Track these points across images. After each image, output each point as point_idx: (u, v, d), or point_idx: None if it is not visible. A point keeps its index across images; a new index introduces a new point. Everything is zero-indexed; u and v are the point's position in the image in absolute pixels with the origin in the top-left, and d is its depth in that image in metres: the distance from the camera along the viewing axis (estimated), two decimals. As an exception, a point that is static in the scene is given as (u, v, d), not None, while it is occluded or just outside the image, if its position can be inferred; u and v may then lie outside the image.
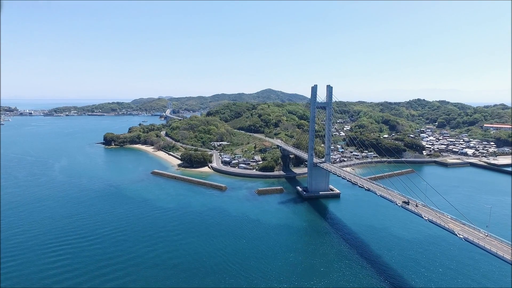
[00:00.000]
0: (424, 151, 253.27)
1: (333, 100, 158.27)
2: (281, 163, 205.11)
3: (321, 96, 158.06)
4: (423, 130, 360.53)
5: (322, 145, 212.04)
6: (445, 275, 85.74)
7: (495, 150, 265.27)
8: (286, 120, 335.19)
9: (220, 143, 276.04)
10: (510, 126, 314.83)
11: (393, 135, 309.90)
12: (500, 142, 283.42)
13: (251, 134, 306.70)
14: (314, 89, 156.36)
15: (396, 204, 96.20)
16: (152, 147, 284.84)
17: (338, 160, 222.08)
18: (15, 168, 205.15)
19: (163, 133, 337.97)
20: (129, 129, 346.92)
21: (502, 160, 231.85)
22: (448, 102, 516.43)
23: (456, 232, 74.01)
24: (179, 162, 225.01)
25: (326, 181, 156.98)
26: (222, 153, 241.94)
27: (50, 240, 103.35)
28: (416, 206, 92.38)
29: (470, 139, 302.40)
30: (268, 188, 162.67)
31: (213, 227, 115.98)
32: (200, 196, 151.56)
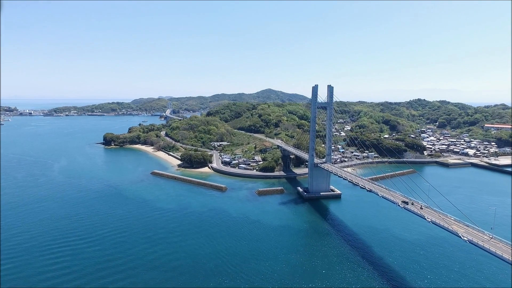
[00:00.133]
0: (425, 151, 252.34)
1: (334, 100, 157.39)
2: (282, 163, 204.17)
3: (322, 96, 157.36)
4: (424, 130, 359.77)
5: (323, 145, 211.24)
6: (448, 278, 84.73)
7: (496, 150, 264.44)
8: (287, 120, 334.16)
9: (220, 143, 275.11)
10: (511, 126, 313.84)
11: (393, 135, 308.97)
12: (501, 142, 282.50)
13: (251, 134, 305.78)
14: (315, 89, 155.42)
15: (399, 205, 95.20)
16: (152, 147, 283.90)
17: (338, 160, 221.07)
18: (14, 168, 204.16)
19: (163, 133, 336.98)
20: (129, 129, 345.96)
21: (503, 161, 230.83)
22: (448, 102, 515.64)
23: (460, 234, 72.98)
24: (179, 162, 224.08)
25: (327, 181, 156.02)
26: (222, 154, 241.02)
27: (48, 241, 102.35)
28: (421, 208, 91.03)
29: (471, 139, 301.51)
30: (268, 188, 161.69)
31: (213, 228, 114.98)
32: (200, 197, 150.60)
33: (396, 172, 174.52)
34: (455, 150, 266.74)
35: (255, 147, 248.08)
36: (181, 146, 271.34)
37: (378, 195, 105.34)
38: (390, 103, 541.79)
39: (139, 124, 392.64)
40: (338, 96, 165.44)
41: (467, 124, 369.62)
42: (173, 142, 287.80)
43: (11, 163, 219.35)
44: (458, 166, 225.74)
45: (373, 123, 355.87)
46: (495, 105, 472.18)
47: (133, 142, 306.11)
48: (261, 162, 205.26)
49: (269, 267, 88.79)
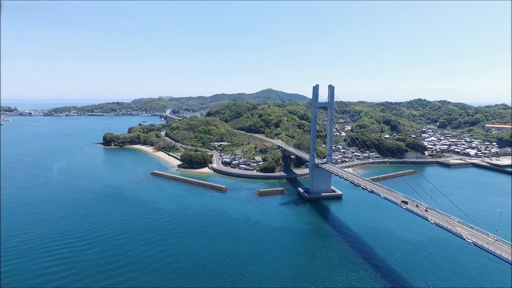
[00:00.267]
0: (426, 152, 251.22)
1: (335, 100, 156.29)
2: (282, 163, 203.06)
3: (322, 96, 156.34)
4: (425, 130, 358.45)
5: (323, 145, 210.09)
6: (451, 281, 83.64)
7: (498, 150, 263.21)
8: (287, 120, 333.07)
9: (220, 143, 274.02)
10: (511, 126, 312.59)
11: (394, 135, 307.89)
12: (502, 143, 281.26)
13: (252, 134, 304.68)
14: (315, 88, 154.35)
15: (401, 206, 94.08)
16: (152, 147, 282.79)
17: (339, 160, 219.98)
18: (14, 169, 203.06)
19: (163, 133, 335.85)
20: (129, 129, 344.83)
21: (504, 161, 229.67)
22: (449, 102, 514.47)
23: (464, 237, 71.82)
24: (179, 162, 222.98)
25: (328, 182, 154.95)
26: (222, 154, 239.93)
27: (46, 243, 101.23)
28: (426, 211, 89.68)
29: (472, 140, 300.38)
30: (269, 189, 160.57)
31: (214, 229, 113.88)
32: (200, 198, 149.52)
33: (398, 173, 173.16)
34: (456, 150, 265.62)
35: (255, 148, 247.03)
36: (181, 146, 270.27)
37: (380, 196, 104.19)
38: (391, 103, 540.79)
39: (139, 124, 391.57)
40: (338, 96, 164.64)
41: (468, 124, 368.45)
42: (173, 142, 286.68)
43: (10, 163, 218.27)
44: (460, 166, 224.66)
45: (373, 123, 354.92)
46: (496, 105, 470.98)
47: (133, 142, 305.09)
48: (262, 163, 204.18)
49: (270, 269, 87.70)
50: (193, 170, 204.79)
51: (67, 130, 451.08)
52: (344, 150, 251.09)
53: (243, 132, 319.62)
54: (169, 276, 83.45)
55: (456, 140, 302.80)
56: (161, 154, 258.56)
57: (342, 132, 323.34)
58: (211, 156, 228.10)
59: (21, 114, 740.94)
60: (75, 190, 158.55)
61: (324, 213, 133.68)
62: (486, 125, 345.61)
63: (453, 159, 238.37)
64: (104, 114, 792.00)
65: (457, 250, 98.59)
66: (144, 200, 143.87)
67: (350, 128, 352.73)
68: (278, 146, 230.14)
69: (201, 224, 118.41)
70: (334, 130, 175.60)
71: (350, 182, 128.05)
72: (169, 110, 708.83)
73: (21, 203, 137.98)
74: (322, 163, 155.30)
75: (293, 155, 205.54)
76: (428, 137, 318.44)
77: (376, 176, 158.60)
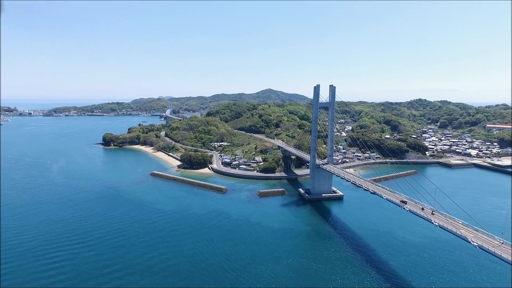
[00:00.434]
0: (427, 152, 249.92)
1: (336, 100, 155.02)
2: (283, 164, 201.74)
3: (323, 96, 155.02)
4: (425, 131, 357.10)
5: (324, 146, 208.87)
6: (455, 283, 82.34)
7: (499, 150, 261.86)
8: (287, 121, 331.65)
9: (221, 143, 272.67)
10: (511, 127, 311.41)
11: (395, 136, 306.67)
12: (504, 143, 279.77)
13: (252, 134, 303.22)
14: (316, 88, 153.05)
15: (404, 208, 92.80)
16: (152, 147, 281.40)
17: (340, 161, 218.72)
18: (13, 169, 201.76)
19: (162, 133, 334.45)
20: (129, 129, 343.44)
21: (506, 161, 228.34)
22: (449, 102, 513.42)
23: (469, 239, 70.50)
24: (179, 163, 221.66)
25: (329, 183, 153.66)
26: (222, 154, 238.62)
27: (44, 245, 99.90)
28: (432, 214, 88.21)
29: (473, 140, 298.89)
30: (269, 190, 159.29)
31: (213, 231, 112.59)
32: (200, 198, 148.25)
33: (399, 173, 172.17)
34: (457, 150, 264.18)
35: (255, 148, 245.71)
36: (181, 147, 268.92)
37: (383, 197, 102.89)
38: (391, 103, 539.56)
39: (139, 125, 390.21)
40: (339, 96, 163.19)
41: (469, 124, 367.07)
42: (173, 142, 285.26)
43: (9, 163, 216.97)
44: (461, 166, 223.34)
45: (374, 123, 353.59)
46: (496, 105, 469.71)
47: (132, 142, 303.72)
48: (262, 163, 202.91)
49: (271, 271, 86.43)
50: (193, 170, 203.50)
51: (67, 130, 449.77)
52: (345, 151, 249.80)
53: (243, 132, 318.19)
54: (168, 279, 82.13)
55: (457, 141, 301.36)
56: (161, 155, 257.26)
57: (342, 132, 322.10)
58: (211, 156, 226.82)
59: (20, 114, 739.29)
60: (74, 191, 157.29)
61: (325, 214, 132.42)
62: (487, 125, 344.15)
63: (454, 160, 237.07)
64: (104, 114, 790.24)
65: (460, 252, 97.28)
66: (143, 201, 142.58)
67: (350, 128, 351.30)
68: (279, 146, 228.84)
69: (201, 225, 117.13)
70: (335, 130, 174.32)
71: (352, 183, 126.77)
72: (169, 110, 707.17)
73: (19, 204, 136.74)
74: (323, 164, 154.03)
75: (293, 155, 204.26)
76: (429, 137, 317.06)
77: (378, 177, 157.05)
